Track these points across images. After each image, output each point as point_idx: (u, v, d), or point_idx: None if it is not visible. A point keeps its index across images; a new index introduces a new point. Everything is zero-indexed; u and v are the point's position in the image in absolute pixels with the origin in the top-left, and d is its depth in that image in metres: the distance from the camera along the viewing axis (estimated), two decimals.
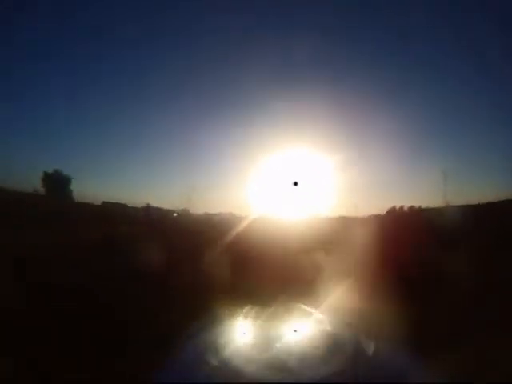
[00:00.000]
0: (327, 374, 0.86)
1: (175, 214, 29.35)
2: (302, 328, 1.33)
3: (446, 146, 48.21)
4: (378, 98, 41.78)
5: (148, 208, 27.73)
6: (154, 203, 30.28)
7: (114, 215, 20.48)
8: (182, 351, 1.17)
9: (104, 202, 28.26)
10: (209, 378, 0.90)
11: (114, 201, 28.08)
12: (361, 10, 35.55)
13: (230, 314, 1.65)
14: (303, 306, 1.67)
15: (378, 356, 1.03)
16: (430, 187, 41.47)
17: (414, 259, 6.03)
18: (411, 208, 27.46)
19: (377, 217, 23.29)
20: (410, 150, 50.01)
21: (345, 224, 16.32)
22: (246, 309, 1.65)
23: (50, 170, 29.16)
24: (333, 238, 9.92)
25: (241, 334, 1.33)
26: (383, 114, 40.54)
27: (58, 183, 28.33)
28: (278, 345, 1.08)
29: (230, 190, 55.81)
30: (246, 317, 1.53)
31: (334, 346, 1.07)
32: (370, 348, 1.07)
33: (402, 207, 28.69)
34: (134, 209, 28.31)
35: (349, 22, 38.23)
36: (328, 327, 1.37)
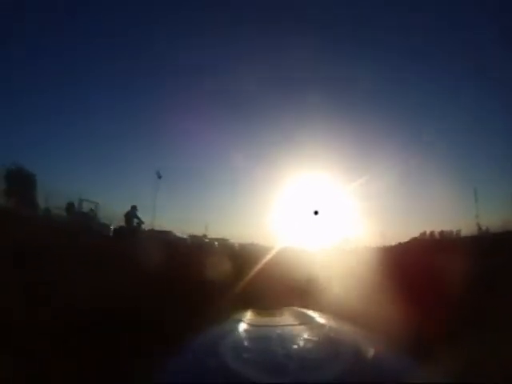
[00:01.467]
0: (328, 376, 0.86)
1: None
2: (302, 331, 1.31)
3: (474, 164, 46.00)
4: (400, 120, 41.35)
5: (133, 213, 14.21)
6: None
7: None
8: (182, 351, 1.16)
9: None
10: (208, 378, 0.90)
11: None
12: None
13: (231, 317, 1.64)
14: (304, 311, 1.67)
15: (379, 358, 1.02)
16: (462, 208, 39.14)
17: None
18: (441, 233, 26.05)
19: (403, 245, 22.08)
20: (435, 171, 48.22)
21: (369, 254, 15.19)
22: (248, 312, 1.65)
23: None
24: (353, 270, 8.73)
25: (241, 335, 1.31)
26: (405, 134, 40.10)
27: (21, 183, 16.16)
28: (278, 347, 1.07)
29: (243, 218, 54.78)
30: (246, 319, 1.51)
31: (334, 349, 1.07)
32: (371, 350, 1.08)
33: (432, 232, 27.25)
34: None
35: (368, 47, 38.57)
36: (328, 330, 1.38)
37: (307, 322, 1.42)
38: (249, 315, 1.61)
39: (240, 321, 1.47)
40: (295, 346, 1.11)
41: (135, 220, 14.22)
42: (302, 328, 1.35)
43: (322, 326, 1.41)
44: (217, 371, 0.90)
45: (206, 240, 24.73)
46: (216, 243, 22.82)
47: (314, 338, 1.20)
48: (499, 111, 41.76)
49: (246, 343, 1.21)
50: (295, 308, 1.82)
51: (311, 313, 1.60)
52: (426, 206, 46.92)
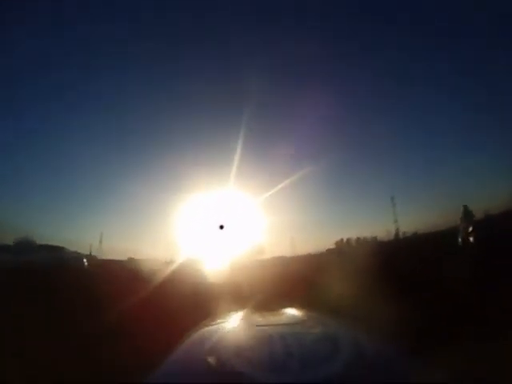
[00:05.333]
0: (328, 375, 0.81)
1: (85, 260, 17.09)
2: (300, 329, 1.30)
3: (392, 173, 49.96)
4: (314, 126, 41.92)
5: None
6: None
7: None
8: (179, 351, 1.12)
9: None
10: (207, 378, 0.86)
11: None
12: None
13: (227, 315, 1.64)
14: (303, 311, 1.65)
15: (379, 356, 0.99)
16: (381, 216, 41.90)
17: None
18: (358, 240, 26.85)
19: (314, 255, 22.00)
20: (354, 180, 51.06)
21: (279, 264, 15.23)
22: (247, 311, 1.68)
23: None
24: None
25: (241, 334, 1.33)
26: (321, 142, 41.08)
27: None
28: (277, 347, 1.01)
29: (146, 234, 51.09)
30: (246, 318, 1.54)
31: (333, 347, 1.02)
32: (371, 348, 1.06)
33: (349, 240, 28.18)
34: None
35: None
36: (328, 329, 1.34)
37: (306, 320, 1.42)
38: (248, 314, 1.62)
39: (239, 319, 1.50)
40: (296, 345, 1.05)
41: None
42: (301, 327, 1.32)
43: (322, 324, 1.38)
44: (216, 370, 0.88)
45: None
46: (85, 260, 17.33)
47: (314, 337, 1.17)
48: (413, 120, 45.93)
49: (246, 342, 1.17)
50: (293, 308, 1.70)
51: (310, 312, 1.57)
52: (347, 215, 49.07)
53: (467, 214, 9.07)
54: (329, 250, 24.28)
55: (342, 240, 28.40)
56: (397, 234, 24.35)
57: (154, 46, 31.69)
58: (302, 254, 23.75)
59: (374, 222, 52.83)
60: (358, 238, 26.69)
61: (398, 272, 6.58)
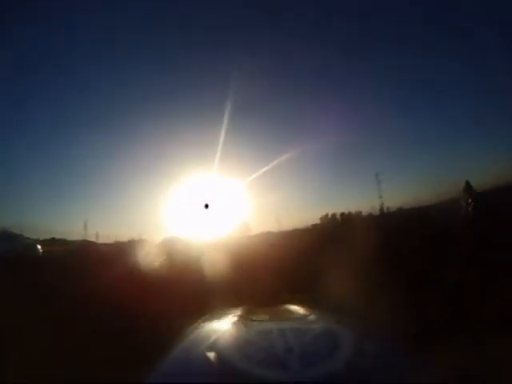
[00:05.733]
0: (327, 372, 0.81)
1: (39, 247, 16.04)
2: (300, 325, 1.29)
3: (377, 149, 50.37)
4: (299, 105, 41.13)
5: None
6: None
7: None
8: (178, 349, 1.12)
9: None
10: (207, 376, 0.87)
11: None
12: None
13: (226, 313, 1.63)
14: (298, 306, 1.64)
15: (379, 352, 0.99)
16: (365, 192, 42.67)
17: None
18: (342, 215, 27.30)
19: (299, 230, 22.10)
20: (338, 157, 51.16)
21: (266, 239, 16.11)
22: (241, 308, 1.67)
23: None
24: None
25: (238, 331, 1.31)
26: (304, 122, 40.48)
27: None
28: (277, 344, 1.01)
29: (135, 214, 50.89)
30: (244, 315, 1.52)
31: (333, 344, 1.01)
32: (371, 345, 1.06)
33: (334, 214, 28.79)
34: None
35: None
36: (328, 325, 1.33)
37: (306, 316, 1.40)
38: (246, 310, 1.62)
39: (238, 315, 1.47)
40: (295, 341, 1.03)
41: None
42: (301, 323, 1.32)
43: (322, 320, 1.36)
44: (217, 368, 0.88)
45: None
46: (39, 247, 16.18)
47: (314, 333, 1.16)
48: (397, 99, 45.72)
49: (245, 338, 1.17)
50: (293, 304, 1.70)
51: (309, 309, 1.54)
52: (332, 191, 49.56)
53: (469, 187, 10.75)
54: (314, 225, 24.89)
55: (326, 215, 28.80)
56: (381, 210, 24.66)
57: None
58: (288, 230, 23.89)
59: (359, 197, 53.93)
60: (343, 213, 27.05)
61: (388, 247, 6.48)
